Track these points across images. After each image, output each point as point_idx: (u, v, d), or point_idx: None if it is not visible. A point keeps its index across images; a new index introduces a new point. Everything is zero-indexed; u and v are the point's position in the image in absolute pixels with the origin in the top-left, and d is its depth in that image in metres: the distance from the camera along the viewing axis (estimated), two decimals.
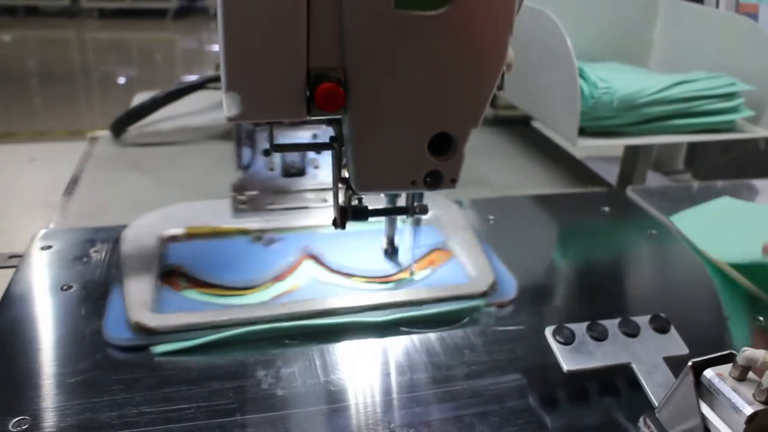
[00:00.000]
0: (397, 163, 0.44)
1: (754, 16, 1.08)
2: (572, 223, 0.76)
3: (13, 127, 2.89)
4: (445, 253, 0.65)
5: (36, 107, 3.33)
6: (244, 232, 0.66)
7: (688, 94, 0.86)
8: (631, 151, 1.10)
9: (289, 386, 0.47)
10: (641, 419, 0.45)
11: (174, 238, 0.64)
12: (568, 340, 0.47)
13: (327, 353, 0.50)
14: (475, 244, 0.64)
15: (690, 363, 0.40)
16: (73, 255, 0.62)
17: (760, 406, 0.37)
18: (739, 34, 0.92)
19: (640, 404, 0.45)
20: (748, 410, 0.37)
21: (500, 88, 0.45)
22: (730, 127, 0.90)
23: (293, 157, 0.70)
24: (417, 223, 0.57)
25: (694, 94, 0.86)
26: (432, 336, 0.53)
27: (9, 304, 0.54)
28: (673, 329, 0.49)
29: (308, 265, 0.62)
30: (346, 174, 0.49)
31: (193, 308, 0.54)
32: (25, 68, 4.05)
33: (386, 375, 0.49)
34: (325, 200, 0.70)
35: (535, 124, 1.17)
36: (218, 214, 0.67)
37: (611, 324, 0.49)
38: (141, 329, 0.50)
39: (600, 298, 0.61)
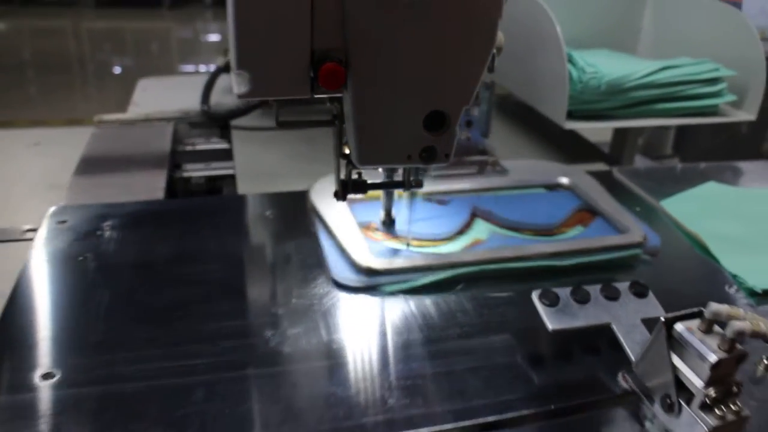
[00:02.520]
0: (395, 139, 0.48)
1: (737, 5, 1.11)
2: None
3: (10, 115, 2.90)
4: (588, 213, 0.74)
5: (32, 96, 3.34)
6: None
7: (674, 79, 0.89)
8: (619, 135, 1.14)
9: (294, 345, 0.50)
10: (620, 374, 0.49)
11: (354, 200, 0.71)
12: (553, 302, 0.50)
13: (330, 316, 0.54)
14: (616, 205, 0.74)
15: (662, 318, 0.43)
16: (85, 229, 0.65)
17: (724, 354, 0.40)
18: (724, 22, 0.95)
19: (620, 361, 0.49)
20: (713, 358, 0.40)
21: (491, 70, 0.48)
22: (713, 111, 0.93)
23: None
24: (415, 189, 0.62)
25: (679, 78, 0.89)
26: (427, 300, 0.57)
27: (30, 272, 0.58)
28: (651, 294, 0.53)
29: (481, 221, 0.71)
30: (347, 150, 0.53)
31: (403, 255, 0.62)
32: (21, 57, 4.05)
33: (383, 335, 0.52)
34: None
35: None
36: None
37: (593, 289, 0.52)
38: (370, 271, 0.59)
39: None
